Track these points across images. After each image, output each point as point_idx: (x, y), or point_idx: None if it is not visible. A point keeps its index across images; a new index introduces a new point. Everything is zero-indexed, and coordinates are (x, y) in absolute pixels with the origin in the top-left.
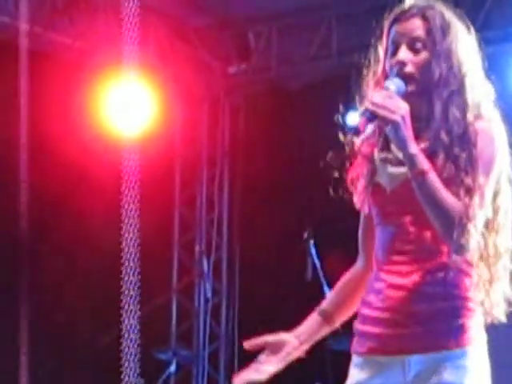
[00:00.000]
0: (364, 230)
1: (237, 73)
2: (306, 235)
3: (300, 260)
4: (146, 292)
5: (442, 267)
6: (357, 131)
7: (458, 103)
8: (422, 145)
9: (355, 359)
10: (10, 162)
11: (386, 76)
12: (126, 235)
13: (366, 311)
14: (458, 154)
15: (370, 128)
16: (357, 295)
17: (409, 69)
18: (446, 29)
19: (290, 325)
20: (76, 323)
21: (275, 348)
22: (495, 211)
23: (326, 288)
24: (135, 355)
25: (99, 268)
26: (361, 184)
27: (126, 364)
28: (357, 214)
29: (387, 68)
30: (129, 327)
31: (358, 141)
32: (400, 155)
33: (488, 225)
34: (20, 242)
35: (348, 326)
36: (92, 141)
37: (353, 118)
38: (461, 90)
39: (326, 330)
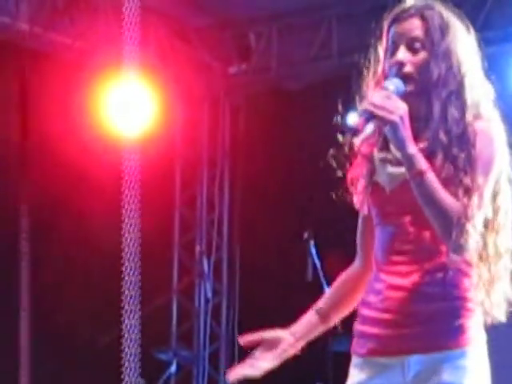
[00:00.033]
0: (363, 229)
1: (237, 73)
2: (306, 235)
3: (300, 260)
4: (146, 292)
5: (442, 267)
6: (355, 131)
7: (456, 103)
8: (421, 145)
9: (355, 360)
10: (10, 162)
11: (385, 76)
12: (127, 235)
13: (365, 312)
14: (457, 154)
15: (370, 128)
16: (354, 295)
17: (407, 69)
18: (444, 29)
19: (290, 325)
20: (76, 323)
21: (271, 344)
22: (495, 211)
23: (326, 288)
24: (135, 355)
25: (99, 268)
26: (360, 184)
27: (127, 364)
28: (357, 214)
29: (386, 68)
30: (129, 327)
31: (357, 141)
32: (399, 155)
33: (488, 225)
34: (20, 242)
35: (348, 326)
36: (92, 141)
37: (353, 119)
38: (460, 90)
39: (321, 329)
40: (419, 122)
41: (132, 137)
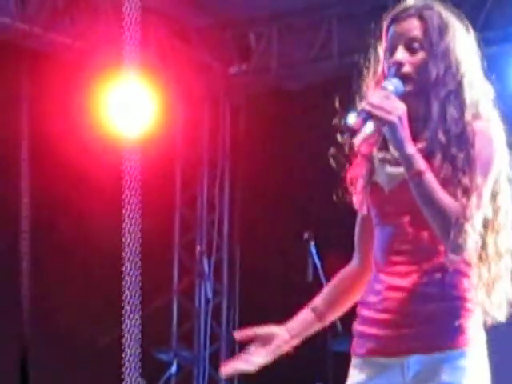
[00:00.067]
0: (361, 229)
1: (237, 73)
2: (306, 235)
3: (301, 260)
4: (146, 292)
5: (441, 268)
6: (353, 131)
7: (455, 103)
8: (420, 145)
9: (354, 360)
10: (11, 162)
11: (385, 76)
12: (127, 236)
13: (365, 312)
14: (456, 154)
15: (370, 127)
16: (350, 294)
17: (406, 69)
18: (443, 29)
19: None
20: (76, 323)
21: (265, 340)
22: (495, 211)
23: None
24: (136, 356)
25: (99, 268)
26: (359, 184)
27: (127, 364)
28: (357, 214)
29: (386, 68)
30: (129, 327)
31: (357, 140)
32: (398, 155)
33: (488, 225)
34: (21, 242)
35: (348, 326)
36: (92, 141)
37: (352, 119)
38: (459, 89)
39: (317, 327)
40: (418, 122)
41: (132, 137)
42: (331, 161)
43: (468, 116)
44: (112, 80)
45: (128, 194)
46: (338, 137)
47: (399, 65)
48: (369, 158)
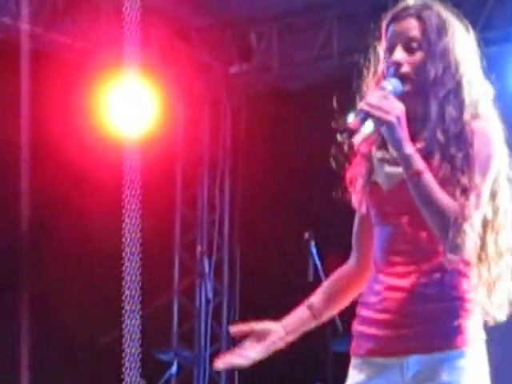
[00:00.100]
0: (360, 228)
1: (238, 73)
2: (307, 235)
3: (301, 260)
4: (147, 292)
5: (440, 268)
6: (351, 131)
7: (454, 102)
8: (419, 145)
9: (354, 360)
10: (11, 162)
11: (385, 76)
12: (127, 235)
13: (364, 312)
14: (455, 154)
15: (369, 127)
16: (347, 292)
17: (404, 69)
18: (442, 28)
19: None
20: (76, 323)
21: (261, 336)
22: (495, 211)
23: None
24: (136, 356)
25: (100, 268)
26: (359, 183)
27: (127, 364)
28: None
29: (385, 68)
30: (130, 328)
31: (357, 140)
32: (396, 155)
33: (488, 225)
34: (21, 242)
35: (349, 326)
36: (93, 141)
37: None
38: (458, 89)
39: (312, 324)
40: (417, 122)
41: (133, 137)
42: (331, 161)
43: (467, 116)
44: (112, 80)
45: (128, 194)
46: (338, 137)
47: (397, 65)
48: (368, 158)
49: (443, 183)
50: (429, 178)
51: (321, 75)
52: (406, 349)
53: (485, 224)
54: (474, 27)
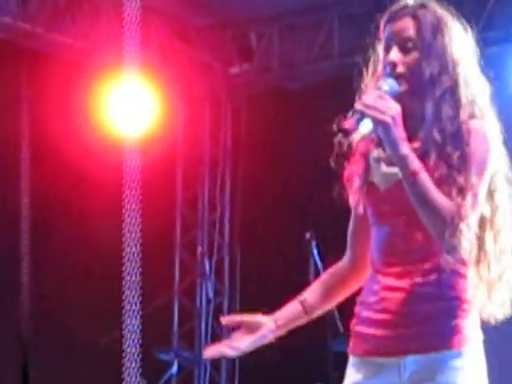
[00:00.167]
0: (356, 227)
1: (238, 73)
2: (308, 236)
3: (301, 260)
4: (147, 292)
5: (437, 268)
6: (347, 132)
7: (451, 102)
8: (415, 144)
9: (352, 360)
10: (11, 162)
11: (382, 76)
12: (128, 236)
13: (362, 312)
14: (451, 153)
15: (367, 126)
16: (340, 290)
17: (400, 69)
18: (437, 28)
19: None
20: (77, 323)
21: (251, 328)
22: (493, 210)
23: None
24: (136, 356)
25: (100, 268)
26: (356, 183)
27: (127, 364)
28: None
29: (382, 68)
30: (130, 328)
31: (355, 139)
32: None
33: (486, 224)
34: (21, 242)
35: (348, 327)
36: (93, 141)
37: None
38: (454, 88)
39: (303, 320)
40: (414, 122)
41: (133, 137)
42: (331, 161)
43: (463, 115)
44: (113, 80)
45: (128, 194)
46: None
47: (393, 65)
48: (366, 157)
49: (439, 183)
50: (425, 177)
51: (321, 75)
52: (404, 349)
53: (483, 223)
54: (474, 27)
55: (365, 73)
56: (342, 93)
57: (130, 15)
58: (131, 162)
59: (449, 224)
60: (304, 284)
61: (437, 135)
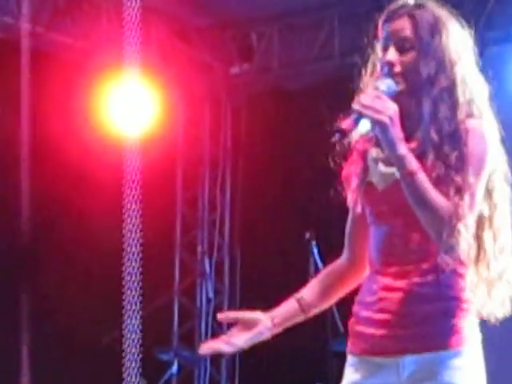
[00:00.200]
0: (354, 227)
1: (239, 73)
2: (308, 235)
3: (301, 260)
4: (147, 292)
5: (435, 268)
6: (344, 132)
7: (448, 101)
8: (413, 144)
9: (350, 359)
10: (11, 162)
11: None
12: (128, 235)
13: (361, 312)
14: (448, 153)
15: (365, 126)
16: (336, 288)
17: (397, 69)
18: (435, 27)
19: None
20: (77, 323)
21: (248, 325)
22: (492, 209)
23: None
24: (136, 355)
25: (101, 268)
26: (354, 182)
27: (127, 364)
28: None
29: (380, 68)
30: (130, 327)
31: (354, 137)
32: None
33: (485, 223)
34: (21, 242)
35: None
36: (93, 141)
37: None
38: (451, 88)
39: (300, 318)
40: (411, 122)
41: (133, 137)
42: (332, 161)
43: (461, 114)
44: (113, 80)
45: (128, 194)
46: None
47: (390, 65)
48: (364, 156)
49: (437, 183)
50: (422, 177)
51: (321, 75)
52: (402, 348)
53: (482, 222)
54: (474, 27)
55: (363, 72)
56: (342, 93)
57: (130, 15)
58: (131, 161)
59: (447, 224)
60: (304, 284)
61: (434, 135)
